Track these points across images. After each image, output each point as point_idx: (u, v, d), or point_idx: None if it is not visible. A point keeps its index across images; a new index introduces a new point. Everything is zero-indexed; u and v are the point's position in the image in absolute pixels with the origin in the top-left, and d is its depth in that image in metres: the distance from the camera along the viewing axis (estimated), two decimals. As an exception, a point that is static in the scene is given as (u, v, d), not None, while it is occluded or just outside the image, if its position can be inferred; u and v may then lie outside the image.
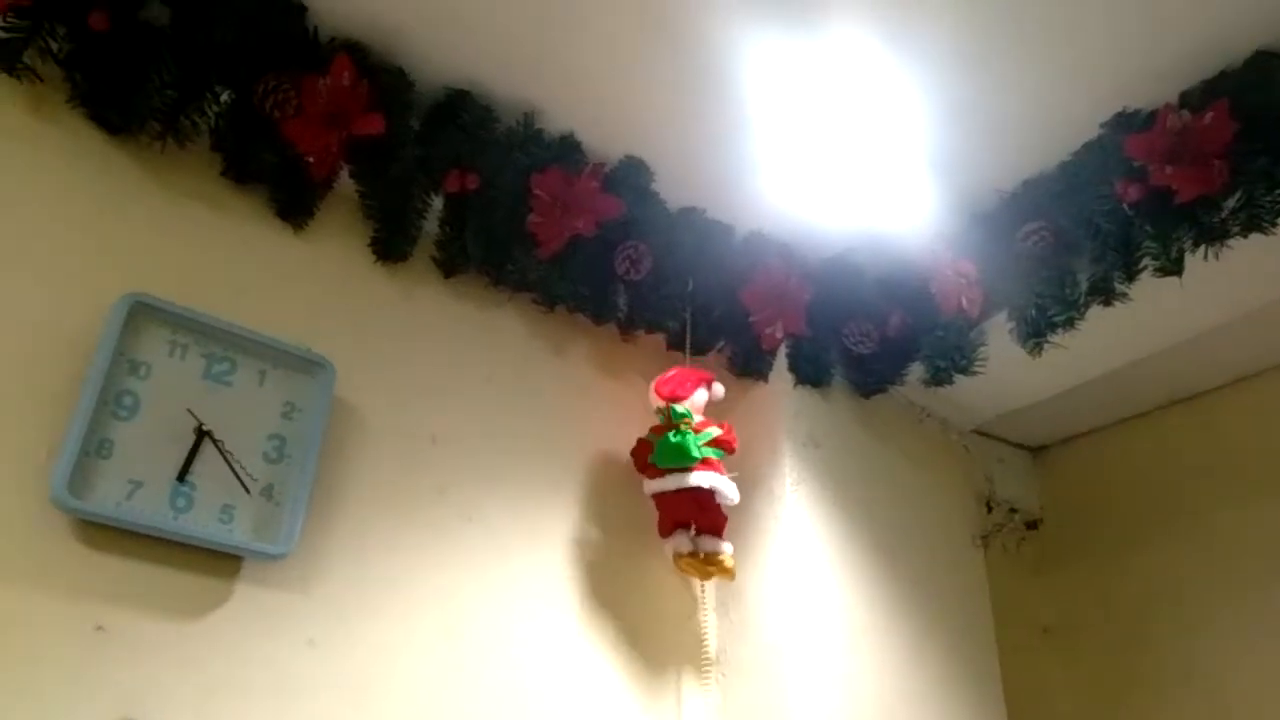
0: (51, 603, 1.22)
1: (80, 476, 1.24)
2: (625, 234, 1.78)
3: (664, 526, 1.73)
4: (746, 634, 1.74)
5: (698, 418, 1.71)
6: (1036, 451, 2.44)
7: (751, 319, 1.90)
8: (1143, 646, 2.09)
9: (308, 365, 1.48)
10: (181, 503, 1.31)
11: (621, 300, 1.83)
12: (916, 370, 1.90)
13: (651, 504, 1.73)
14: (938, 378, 1.85)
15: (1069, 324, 1.65)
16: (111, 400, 1.30)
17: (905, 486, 1.98)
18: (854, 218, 1.81)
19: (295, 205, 1.57)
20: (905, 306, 1.88)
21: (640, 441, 1.75)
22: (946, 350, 1.82)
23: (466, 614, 1.54)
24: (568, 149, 1.69)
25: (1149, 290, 1.59)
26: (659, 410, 1.71)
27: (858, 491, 1.89)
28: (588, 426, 1.83)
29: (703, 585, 1.78)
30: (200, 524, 1.32)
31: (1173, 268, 1.54)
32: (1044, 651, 2.25)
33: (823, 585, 1.75)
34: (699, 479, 1.65)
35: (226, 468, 1.36)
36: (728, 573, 1.72)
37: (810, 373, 1.92)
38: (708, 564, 1.69)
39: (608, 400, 1.88)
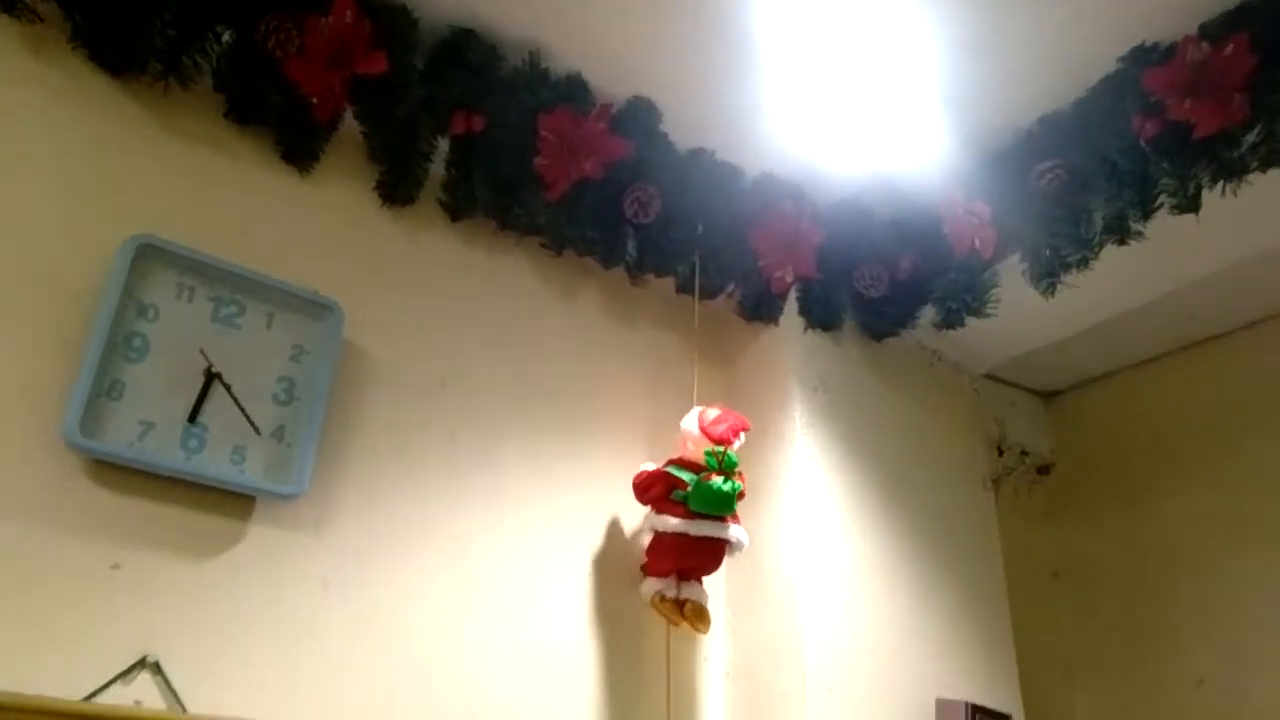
0: (68, 541, 1.23)
1: (92, 417, 1.25)
2: (633, 176, 1.76)
3: (661, 566, 1.63)
4: (756, 576, 1.75)
5: None
6: (1049, 397, 2.43)
7: (761, 262, 1.89)
8: (1153, 590, 2.10)
9: (315, 308, 1.48)
10: (193, 443, 1.32)
11: (630, 244, 1.81)
12: (928, 313, 1.89)
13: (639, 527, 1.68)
14: (949, 320, 1.84)
15: (1083, 264, 1.63)
16: (121, 342, 1.31)
17: (916, 430, 1.97)
18: (866, 158, 1.78)
19: (300, 148, 1.56)
20: (917, 249, 1.86)
21: (661, 472, 1.63)
22: (958, 292, 1.81)
23: (478, 559, 1.56)
24: (575, 89, 1.66)
25: (1164, 229, 1.57)
26: (711, 453, 1.60)
27: (868, 435, 1.89)
28: (597, 371, 1.83)
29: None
30: (212, 464, 1.33)
31: (1189, 205, 1.52)
32: (1053, 595, 2.26)
33: (832, 528, 1.76)
34: (737, 533, 1.61)
35: (237, 409, 1.36)
36: (705, 624, 1.63)
37: (821, 316, 1.91)
38: (692, 615, 1.62)
39: (617, 344, 1.88)
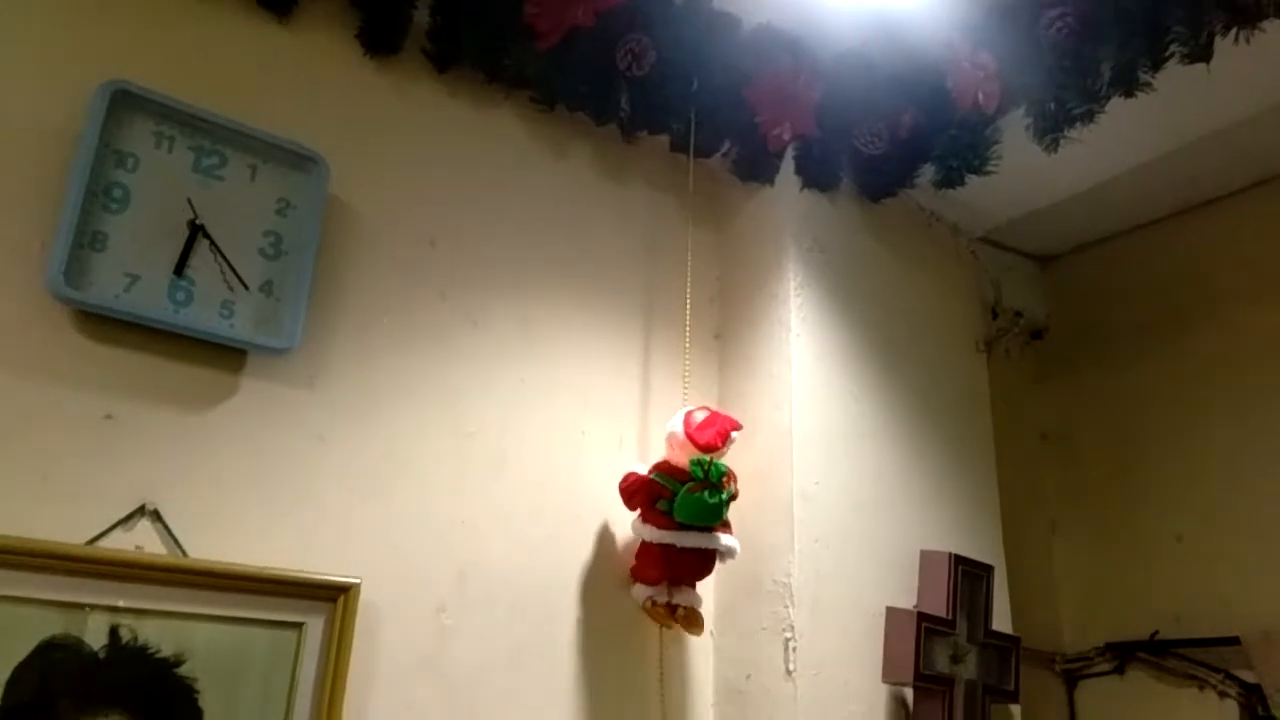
0: (58, 392, 1.24)
1: (76, 268, 1.23)
2: (627, 26, 1.69)
3: (651, 573, 1.56)
4: (748, 432, 1.76)
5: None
6: (1046, 261, 2.41)
7: (758, 119, 1.83)
8: (1138, 451, 2.13)
9: (300, 161, 1.44)
10: (181, 296, 1.31)
11: (623, 99, 1.76)
12: (927, 173, 1.86)
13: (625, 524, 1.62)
14: (949, 179, 1.81)
15: (1088, 117, 1.59)
16: (101, 192, 1.28)
17: (911, 291, 1.96)
18: (867, 7, 1.71)
19: (277, -9, 1.50)
20: (918, 104, 1.81)
21: (646, 480, 1.56)
22: (959, 150, 1.77)
23: (473, 414, 1.57)
24: (564, -72, 1.58)
25: (1173, 80, 1.53)
26: (697, 462, 1.52)
27: (863, 295, 1.88)
28: (590, 230, 1.80)
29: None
30: (201, 318, 1.32)
31: (1201, 53, 1.47)
32: (1041, 456, 2.29)
33: (824, 387, 1.76)
34: (728, 542, 1.55)
35: (223, 263, 1.34)
36: (698, 628, 1.60)
37: (818, 176, 1.87)
38: (684, 620, 1.57)
39: (610, 204, 1.84)
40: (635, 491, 1.57)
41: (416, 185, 1.62)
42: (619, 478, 1.64)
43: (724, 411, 1.66)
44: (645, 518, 1.56)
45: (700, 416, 1.57)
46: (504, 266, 1.68)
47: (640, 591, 1.58)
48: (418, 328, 1.56)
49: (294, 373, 1.41)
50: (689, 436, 1.54)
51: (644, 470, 1.58)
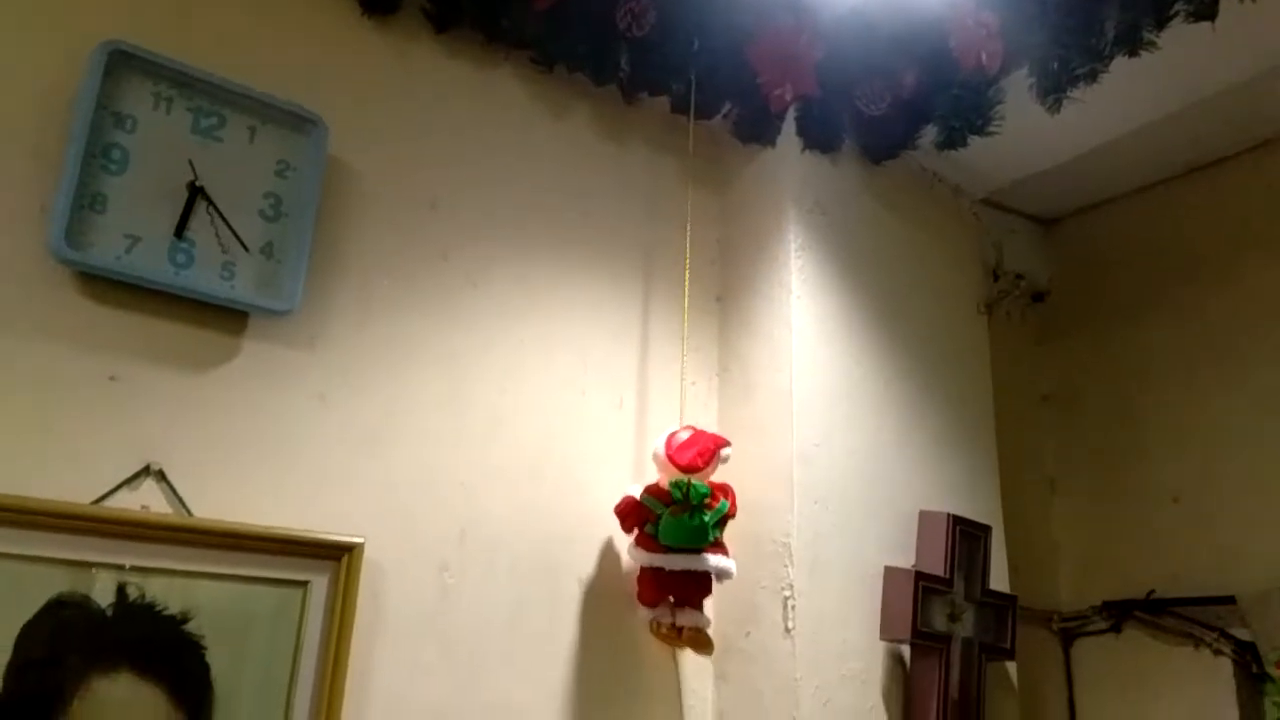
0: (62, 353, 1.24)
1: (77, 230, 1.23)
2: (626, -16, 1.68)
3: (648, 596, 1.56)
4: (748, 394, 1.77)
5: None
6: (1049, 224, 2.40)
7: (759, 80, 1.82)
8: (1137, 413, 2.14)
9: (299, 122, 1.43)
10: (181, 258, 1.31)
11: (623, 60, 1.75)
12: (929, 134, 1.85)
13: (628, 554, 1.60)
14: (951, 140, 1.81)
15: (1092, 77, 1.59)
16: (100, 153, 1.27)
17: (912, 253, 1.96)
18: (870, -35, 1.70)
19: (273, -51, 1.48)
20: (921, 64, 1.79)
21: (635, 503, 1.55)
22: (962, 110, 1.76)
23: (473, 375, 1.58)
24: (563, -114, 1.57)
25: (1178, 39, 1.53)
26: (675, 484, 1.52)
27: (864, 257, 1.87)
28: (590, 192, 1.80)
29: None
30: (202, 279, 1.32)
31: (1205, 11, 1.47)
32: (1040, 418, 2.30)
33: (825, 349, 1.77)
34: (718, 563, 1.52)
35: (223, 224, 1.34)
36: (707, 648, 1.60)
37: (819, 137, 1.86)
38: (690, 641, 1.57)
39: (610, 166, 1.84)
40: (627, 515, 1.56)
41: (416, 146, 1.61)
42: (617, 437, 1.68)
43: (722, 367, 1.64)
44: (637, 541, 1.56)
45: (683, 436, 1.57)
46: (504, 228, 1.68)
47: (644, 614, 1.58)
48: (418, 289, 1.56)
49: (295, 334, 1.42)
50: (669, 458, 1.54)
51: (637, 492, 1.57)
